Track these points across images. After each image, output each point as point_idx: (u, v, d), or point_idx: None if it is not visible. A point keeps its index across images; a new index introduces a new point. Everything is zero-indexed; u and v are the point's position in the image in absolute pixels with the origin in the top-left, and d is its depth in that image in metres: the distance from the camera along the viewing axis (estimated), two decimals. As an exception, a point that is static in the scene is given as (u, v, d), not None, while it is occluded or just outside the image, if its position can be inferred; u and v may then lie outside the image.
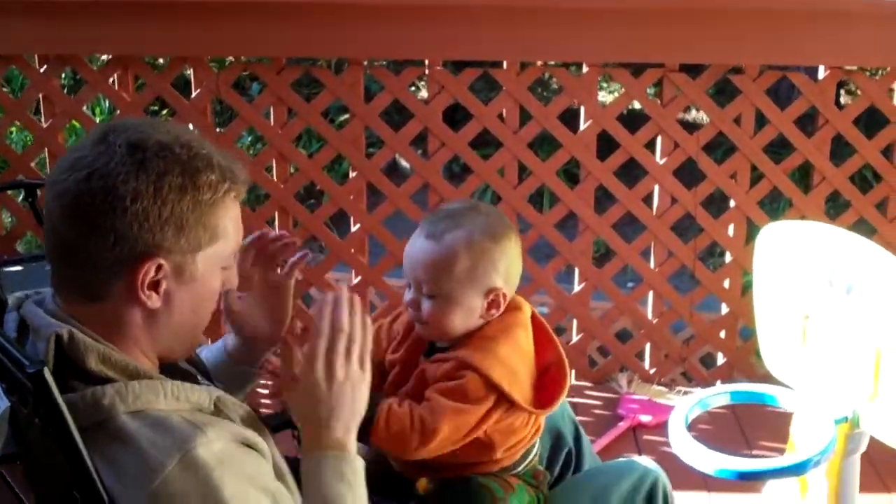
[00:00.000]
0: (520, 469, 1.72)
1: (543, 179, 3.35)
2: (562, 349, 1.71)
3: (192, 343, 1.42)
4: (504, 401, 1.59)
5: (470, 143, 3.32)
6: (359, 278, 3.44)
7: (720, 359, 3.63)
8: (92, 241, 1.23)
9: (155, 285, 1.28)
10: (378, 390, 1.69)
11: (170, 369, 1.39)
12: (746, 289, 3.50)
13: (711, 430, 3.19)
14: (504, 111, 3.31)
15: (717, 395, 2.12)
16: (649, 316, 3.54)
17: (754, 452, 3.11)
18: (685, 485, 2.36)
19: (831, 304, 2.08)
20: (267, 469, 1.28)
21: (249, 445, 1.27)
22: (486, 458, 1.67)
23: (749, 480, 2.19)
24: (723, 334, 3.57)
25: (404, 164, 5.75)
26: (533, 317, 1.72)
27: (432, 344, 1.72)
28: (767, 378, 2.29)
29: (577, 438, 1.95)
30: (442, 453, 1.59)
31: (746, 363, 3.57)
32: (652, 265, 3.49)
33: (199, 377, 1.49)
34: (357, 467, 1.33)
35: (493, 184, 3.38)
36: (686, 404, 2.08)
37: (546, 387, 1.66)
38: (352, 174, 3.39)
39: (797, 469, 1.99)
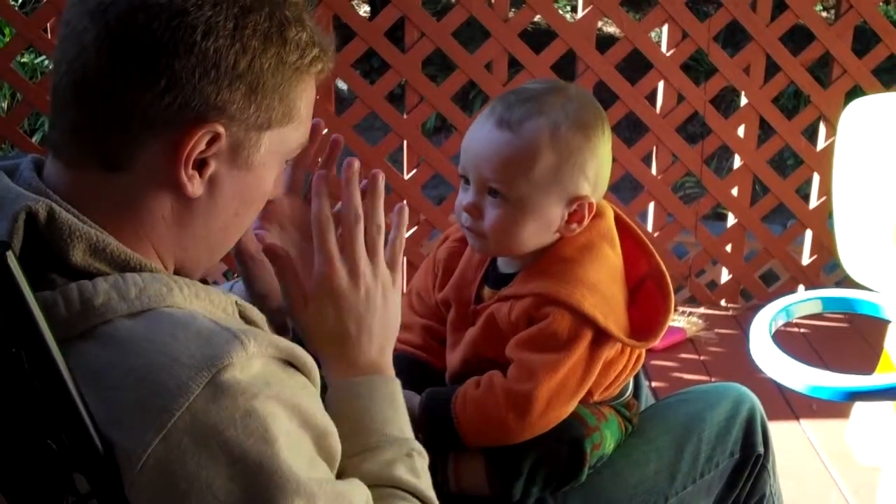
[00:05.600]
0: (615, 401, 1.41)
1: (536, 75, 2.98)
2: (658, 257, 1.36)
3: (218, 257, 1.03)
4: (602, 335, 1.27)
5: (454, 34, 2.95)
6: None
7: (725, 275, 3.32)
8: (133, 82, 0.86)
9: (201, 164, 0.91)
10: (433, 360, 1.40)
11: None
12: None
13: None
14: (492, -4, 2.97)
15: (805, 302, 1.77)
16: (650, 228, 3.22)
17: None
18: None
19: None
20: (316, 400, 0.92)
21: (295, 366, 0.91)
22: (581, 402, 1.34)
23: (849, 400, 1.85)
24: (729, 248, 3.26)
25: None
26: (618, 220, 1.36)
27: (493, 268, 1.36)
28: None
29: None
30: (558, 422, 1.29)
31: (753, 281, 3.30)
32: (654, 171, 3.15)
33: None
34: (398, 389, 1.08)
35: (480, 80, 3.01)
36: (770, 310, 1.73)
37: (642, 308, 1.32)
38: (317, 70, 2.95)
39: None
